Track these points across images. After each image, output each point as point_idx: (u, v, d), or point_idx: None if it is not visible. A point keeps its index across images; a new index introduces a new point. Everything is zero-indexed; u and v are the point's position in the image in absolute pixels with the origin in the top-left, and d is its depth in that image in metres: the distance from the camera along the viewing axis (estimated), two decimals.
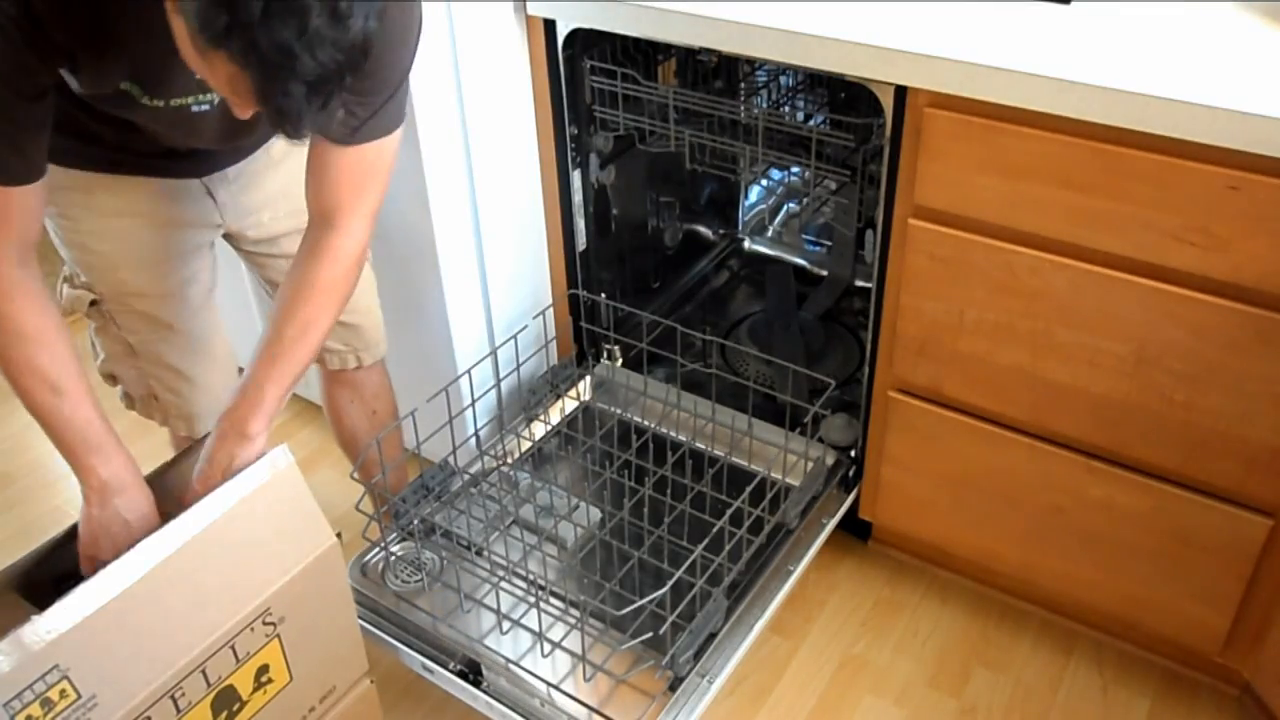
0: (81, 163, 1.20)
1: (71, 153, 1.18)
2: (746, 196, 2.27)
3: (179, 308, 1.35)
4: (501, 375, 1.68)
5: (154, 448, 1.57)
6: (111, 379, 1.39)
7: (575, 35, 1.61)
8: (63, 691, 0.96)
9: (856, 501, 1.70)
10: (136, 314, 1.32)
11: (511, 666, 1.37)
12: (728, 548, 1.39)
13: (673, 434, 1.76)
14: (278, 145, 1.34)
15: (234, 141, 1.24)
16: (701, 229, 2.23)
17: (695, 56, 1.80)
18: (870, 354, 1.58)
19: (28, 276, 1.05)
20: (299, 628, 1.17)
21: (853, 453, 1.70)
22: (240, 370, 1.24)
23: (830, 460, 1.69)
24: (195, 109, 1.11)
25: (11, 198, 1.02)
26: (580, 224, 1.83)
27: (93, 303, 1.31)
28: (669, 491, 1.60)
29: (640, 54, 1.71)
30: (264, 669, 1.15)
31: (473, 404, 1.64)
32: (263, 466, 1.10)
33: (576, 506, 1.60)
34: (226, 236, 1.39)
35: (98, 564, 1.08)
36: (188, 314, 1.36)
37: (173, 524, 1.05)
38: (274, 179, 1.36)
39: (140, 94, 1.06)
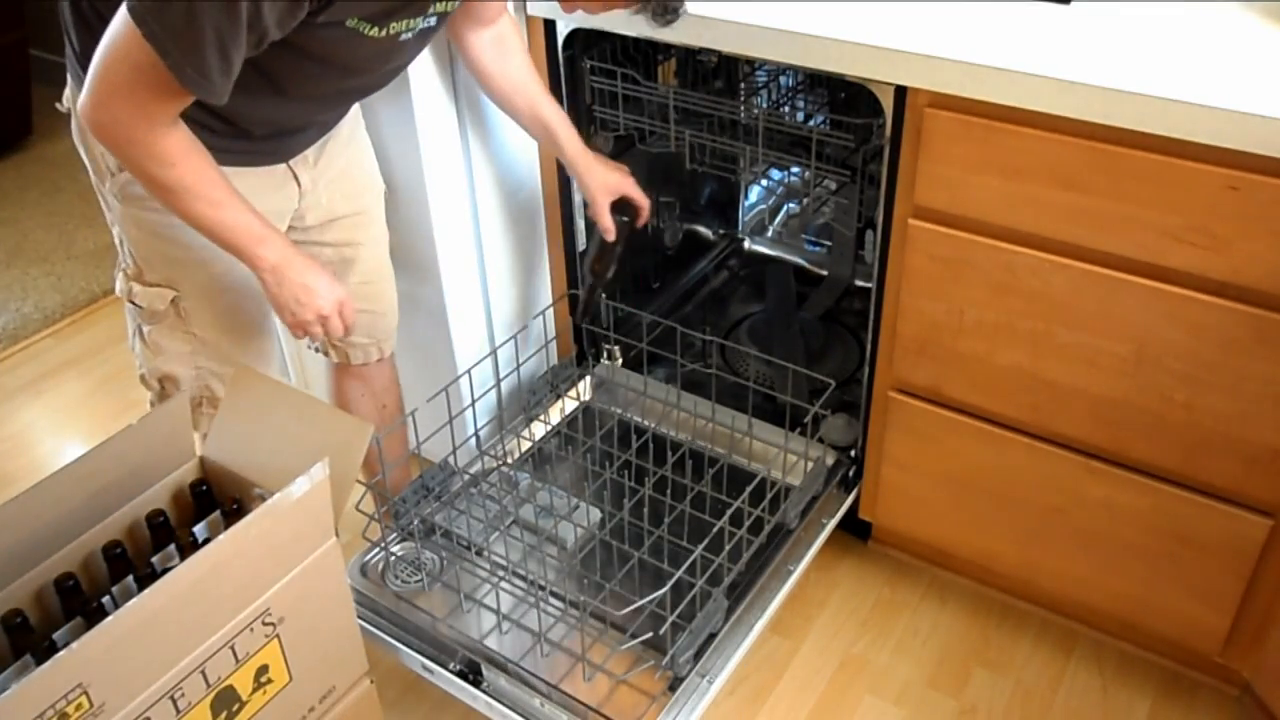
0: None
1: None
2: (746, 196, 2.27)
3: (257, 301, 1.37)
4: (501, 375, 1.68)
5: None
6: (160, 382, 1.39)
7: (575, 35, 1.61)
8: (79, 705, 0.96)
9: (856, 501, 1.70)
10: (217, 310, 1.35)
11: (511, 666, 1.37)
12: (728, 548, 1.39)
13: (673, 434, 1.76)
14: (346, 125, 1.41)
15: (389, 73, 1.32)
16: (701, 229, 2.23)
17: (695, 56, 1.80)
18: (870, 354, 1.58)
19: (178, 127, 1.13)
20: (298, 628, 1.17)
21: (853, 453, 1.70)
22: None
23: (830, 460, 1.69)
24: (404, 37, 1.19)
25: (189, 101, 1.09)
26: (580, 224, 1.82)
27: (171, 300, 1.33)
28: (669, 491, 1.60)
29: (640, 54, 1.71)
30: (263, 669, 1.15)
31: (473, 404, 1.64)
32: (302, 481, 1.11)
33: (576, 507, 1.59)
34: None
35: (305, 328, 1.29)
36: (260, 309, 1.40)
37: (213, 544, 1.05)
38: (341, 160, 1.42)
39: (368, 28, 1.13)
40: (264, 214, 1.31)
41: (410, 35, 1.20)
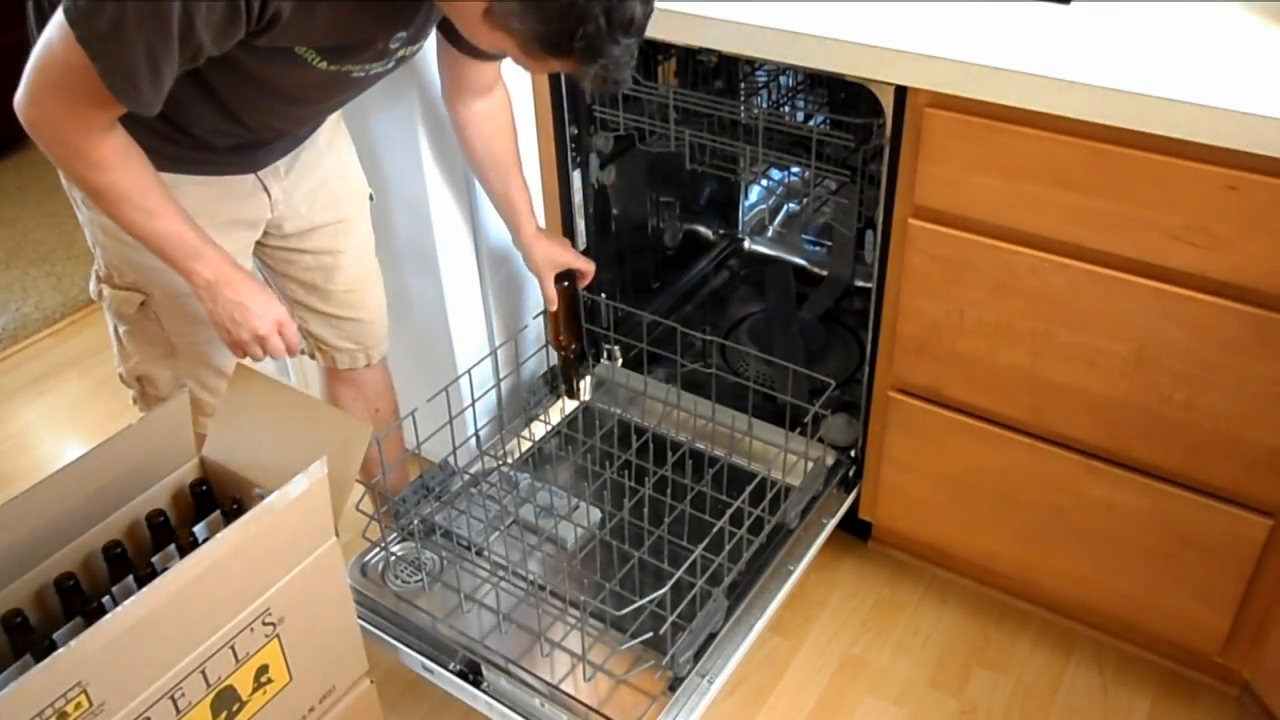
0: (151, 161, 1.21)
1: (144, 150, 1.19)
2: (746, 196, 2.27)
3: None
4: (501, 375, 1.68)
5: None
6: (139, 381, 1.39)
7: None
8: (78, 704, 0.96)
9: (856, 501, 1.70)
10: (187, 315, 1.33)
11: (511, 666, 1.37)
12: (728, 548, 1.39)
13: (673, 434, 1.76)
14: (323, 134, 1.39)
15: (337, 104, 1.31)
16: (701, 229, 2.23)
17: (695, 56, 1.80)
18: (870, 354, 1.58)
19: (114, 132, 1.10)
20: (299, 628, 1.17)
21: (853, 453, 1.70)
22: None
23: (830, 460, 1.69)
24: (355, 75, 1.18)
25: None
26: (580, 224, 1.82)
27: (140, 304, 1.32)
28: (669, 491, 1.60)
29: (640, 54, 1.70)
30: (263, 669, 1.15)
31: (473, 404, 1.64)
32: (300, 480, 1.11)
33: (576, 506, 1.59)
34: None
35: (242, 346, 1.26)
36: None
37: (209, 543, 1.05)
38: (319, 170, 1.40)
39: (316, 59, 1.11)
40: (234, 223, 1.31)
41: (363, 75, 1.20)
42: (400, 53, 1.19)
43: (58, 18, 0.99)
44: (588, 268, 1.68)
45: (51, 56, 1.02)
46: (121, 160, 1.11)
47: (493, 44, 1.05)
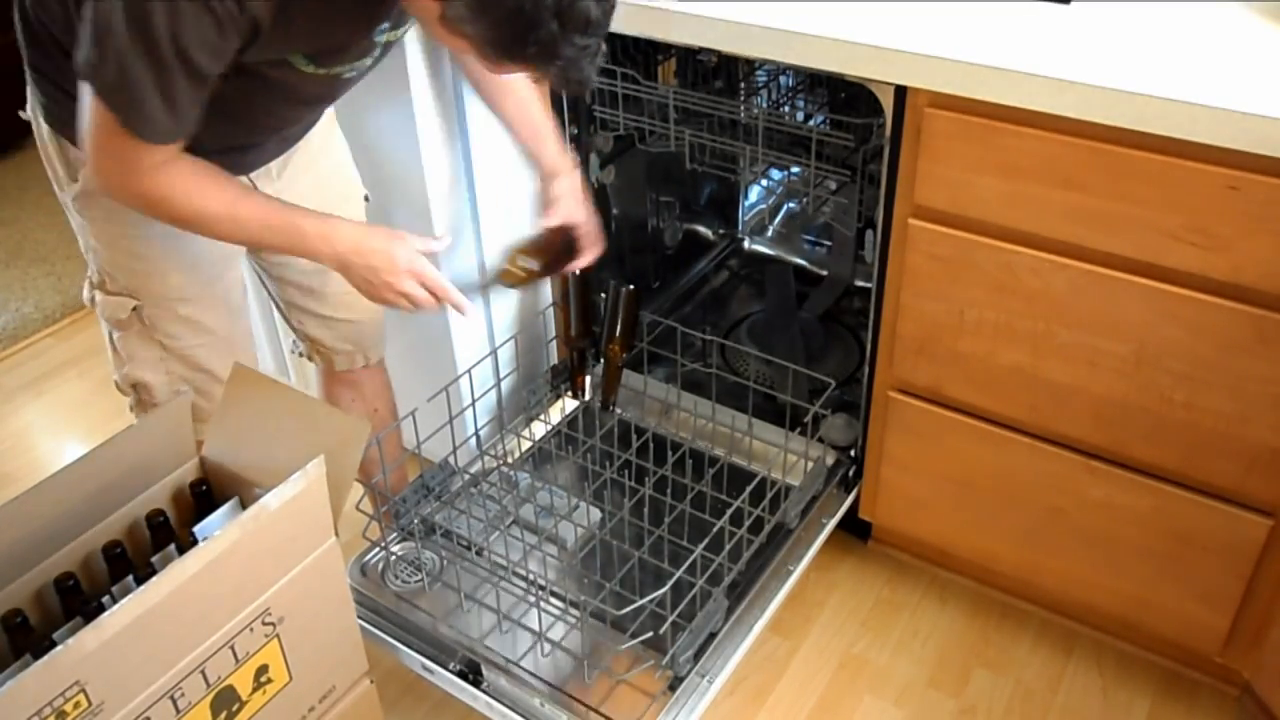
0: None
1: None
2: (746, 196, 2.27)
3: (221, 311, 1.36)
4: (501, 375, 1.68)
5: None
6: (134, 388, 1.39)
7: None
8: (77, 703, 0.96)
9: (856, 501, 1.70)
10: (180, 319, 1.33)
11: (511, 666, 1.37)
12: (728, 547, 1.39)
13: (673, 434, 1.76)
14: (316, 138, 1.39)
15: (331, 101, 1.32)
16: (701, 229, 2.23)
17: (695, 56, 1.80)
18: (870, 354, 1.58)
19: (172, 164, 1.11)
20: (298, 628, 1.17)
21: (853, 453, 1.70)
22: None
23: (830, 460, 1.69)
24: (346, 75, 1.19)
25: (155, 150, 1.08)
26: None
27: (133, 309, 1.32)
28: (669, 491, 1.60)
29: (640, 54, 1.71)
30: (263, 669, 1.15)
31: (473, 404, 1.64)
32: (297, 478, 1.11)
33: (576, 506, 1.59)
34: None
35: (394, 304, 1.28)
36: (228, 318, 1.38)
37: (205, 544, 1.05)
38: (313, 171, 1.39)
39: (305, 64, 1.12)
40: None
41: (354, 74, 1.21)
42: (384, 39, 1.19)
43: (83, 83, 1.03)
44: (590, 245, 1.53)
45: (89, 118, 1.05)
46: (191, 186, 1.12)
47: (453, 45, 1.05)
